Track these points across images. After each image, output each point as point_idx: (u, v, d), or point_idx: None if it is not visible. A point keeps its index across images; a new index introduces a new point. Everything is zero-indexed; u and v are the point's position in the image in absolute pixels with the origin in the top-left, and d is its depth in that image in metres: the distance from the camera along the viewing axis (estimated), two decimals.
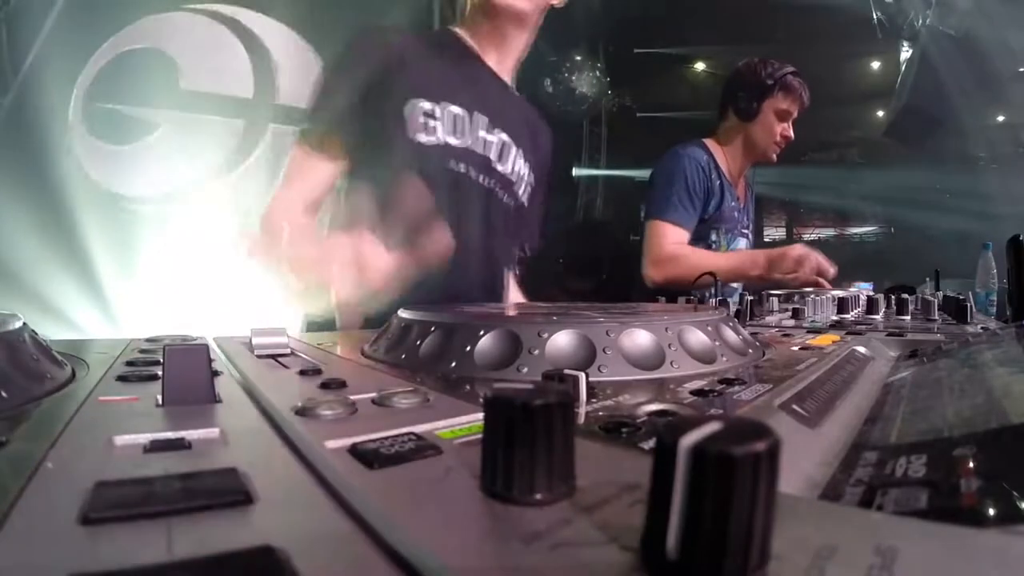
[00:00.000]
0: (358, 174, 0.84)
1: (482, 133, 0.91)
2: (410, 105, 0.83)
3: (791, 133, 1.54)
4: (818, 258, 1.38)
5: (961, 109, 3.48)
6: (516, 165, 0.98)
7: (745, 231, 1.67)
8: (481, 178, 0.93)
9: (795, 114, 1.52)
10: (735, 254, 1.49)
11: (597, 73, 3.94)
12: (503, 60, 0.96)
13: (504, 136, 0.95)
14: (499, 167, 0.95)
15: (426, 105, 0.85)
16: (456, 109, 0.88)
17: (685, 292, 1.00)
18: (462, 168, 0.89)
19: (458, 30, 0.95)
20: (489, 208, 0.95)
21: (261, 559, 0.11)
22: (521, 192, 1.01)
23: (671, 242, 1.48)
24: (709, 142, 1.60)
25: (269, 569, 0.10)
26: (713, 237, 1.57)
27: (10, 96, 1.85)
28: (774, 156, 1.56)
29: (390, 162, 0.80)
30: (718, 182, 1.54)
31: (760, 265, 1.40)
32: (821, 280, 1.34)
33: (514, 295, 1.07)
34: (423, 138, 0.84)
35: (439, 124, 0.86)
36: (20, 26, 1.86)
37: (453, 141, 0.87)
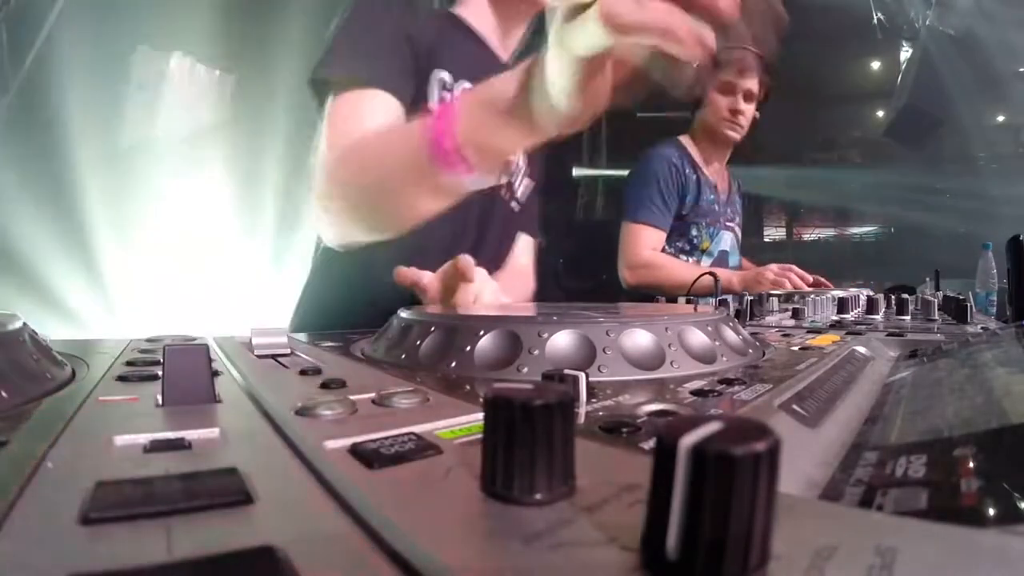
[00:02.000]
0: None
1: None
2: (434, 75, 0.77)
3: (742, 106, 1.50)
4: (794, 278, 1.38)
5: (961, 109, 3.48)
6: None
7: (730, 224, 1.67)
8: None
9: (744, 85, 1.48)
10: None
11: None
12: (506, 43, 0.89)
13: None
14: None
15: (446, 76, 0.78)
16: (469, 86, 0.79)
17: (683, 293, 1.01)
18: None
19: (458, 11, 0.86)
20: (492, 212, 0.88)
21: (261, 559, 0.11)
22: (519, 188, 0.94)
23: (647, 247, 1.49)
24: (684, 138, 1.62)
25: (269, 569, 0.10)
26: (694, 232, 1.57)
27: (11, 96, 1.86)
28: (732, 134, 1.53)
29: None
30: (693, 177, 1.55)
31: (734, 288, 1.41)
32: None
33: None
34: None
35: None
36: (20, 26, 1.86)
37: None
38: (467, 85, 0.81)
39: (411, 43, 0.77)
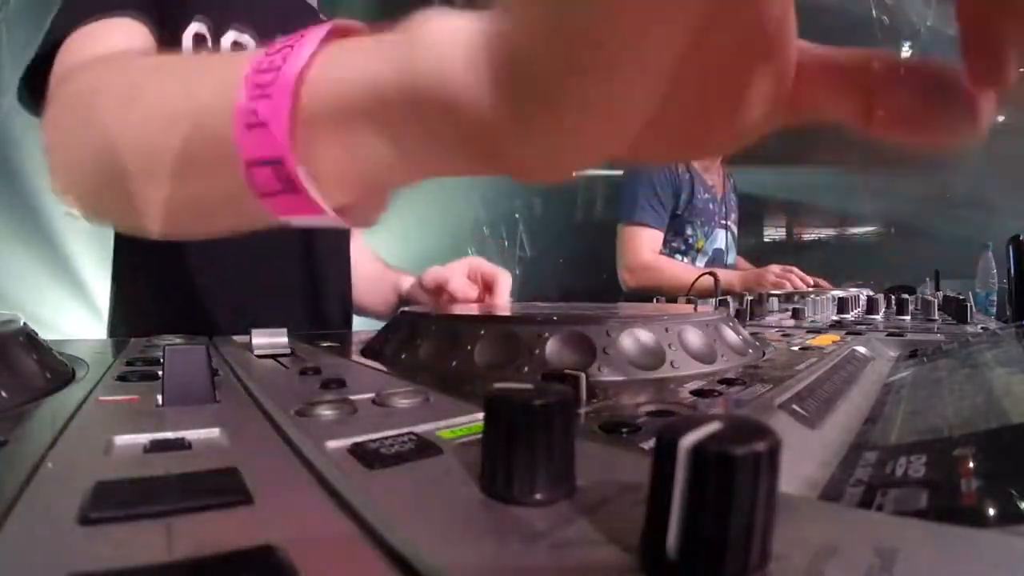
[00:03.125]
0: None
1: None
2: (188, 30, 0.58)
3: None
4: (795, 280, 1.39)
5: None
6: None
7: (724, 222, 1.67)
8: None
9: None
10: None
11: None
12: None
13: None
14: None
15: (201, 29, 0.59)
16: (243, 37, 0.61)
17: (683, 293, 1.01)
18: None
19: None
20: None
21: (261, 559, 0.11)
22: None
23: (647, 249, 1.50)
24: None
25: (269, 569, 0.10)
26: (689, 231, 1.58)
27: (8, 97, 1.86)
28: None
29: None
30: (687, 175, 1.56)
31: (735, 289, 1.41)
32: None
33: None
34: None
35: None
36: (20, 26, 1.86)
37: None
38: (238, 37, 0.61)
39: None
